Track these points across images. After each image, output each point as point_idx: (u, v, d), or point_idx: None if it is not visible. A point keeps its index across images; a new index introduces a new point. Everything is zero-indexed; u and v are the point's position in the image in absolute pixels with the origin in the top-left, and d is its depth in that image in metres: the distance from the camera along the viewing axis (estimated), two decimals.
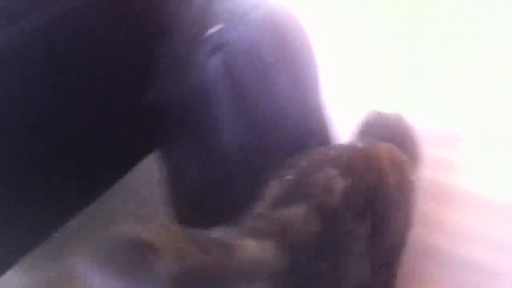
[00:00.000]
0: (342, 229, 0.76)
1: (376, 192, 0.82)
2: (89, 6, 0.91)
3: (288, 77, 1.00)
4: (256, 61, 0.93)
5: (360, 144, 0.95)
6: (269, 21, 0.94)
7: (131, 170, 1.10)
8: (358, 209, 0.77)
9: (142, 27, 0.98)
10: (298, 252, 0.70)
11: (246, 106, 0.93)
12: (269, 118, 0.95)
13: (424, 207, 1.02)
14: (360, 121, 1.09)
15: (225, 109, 0.91)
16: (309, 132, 1.05)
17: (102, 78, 0.97)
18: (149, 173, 1.15)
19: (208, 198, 0.97)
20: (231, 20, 0.91)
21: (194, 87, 0.89)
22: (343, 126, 1.09)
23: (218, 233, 0.71)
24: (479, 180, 1.22)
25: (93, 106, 0.98)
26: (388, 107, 1.13)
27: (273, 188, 0.79)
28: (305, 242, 0.71)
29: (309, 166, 0.81)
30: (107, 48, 0.94)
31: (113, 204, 1.13)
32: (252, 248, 0.68)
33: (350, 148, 0.90)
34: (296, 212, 0.72)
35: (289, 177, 0.79)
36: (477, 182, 1.21)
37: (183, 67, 0.89)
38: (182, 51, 0.91)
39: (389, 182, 0.85)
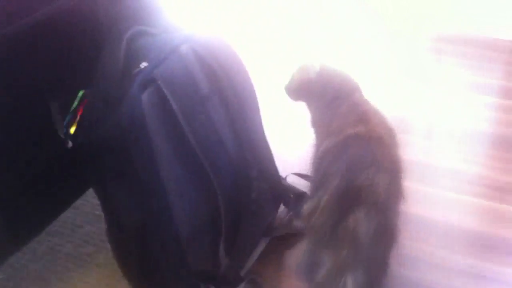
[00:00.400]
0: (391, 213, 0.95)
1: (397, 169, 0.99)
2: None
3: (225, 107, 1.00)
4: (190, 93, 0.93)
5: (359, 129, 0.99)
6: (198, 55, 0.94)
7: (72, 207, 1.09)
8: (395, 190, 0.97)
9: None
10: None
11: (182, 138, 0.92)
12: (207, 149, 0.95)
13: None
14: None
15: (160, 143, 0.91)
16: (249, 161, 1.05)
17: (34, 115, 0.96)
18: (90, 210, 1.15)
19: (148, 231, 0.96)
20: (159, 56, 0.90)
21: (126, 123, 0.88)
22: None
23: None
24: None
25: (26, 141, 0.97)
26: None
27: (323, 197, 0.94)
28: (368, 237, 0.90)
29: (349, 170, 0.94)
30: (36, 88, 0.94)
31: (53, 241, 1.11)
32: None
33: (361, 140, 0.98)
34: (359, 218, 0.90)
35: (335, 183, 0.93)
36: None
37: (112, 105, 0.89)
38: (110, 90, 0.90)
39: (395, 150, 1.00)
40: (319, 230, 0.94)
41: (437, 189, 1.26)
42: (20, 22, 0.90)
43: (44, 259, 1.10)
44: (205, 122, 0.94)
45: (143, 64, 0.89)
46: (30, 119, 0.95)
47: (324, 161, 1.00)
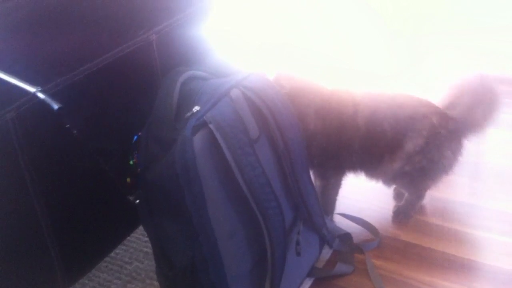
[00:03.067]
0: None
1: None
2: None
3: (272, 149, 1.02)
4: (239, 136, 0.95)
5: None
6: (247, 99, 0.97)
7: (121, 244, 1.11)
8: None
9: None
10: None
11: (232, 179, 0.94)
12: (255, 191, 0.96)
13: None
14: None
15: (211, 184, 0.93)
16: (294, 202, 1.06)
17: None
18: (138, 247, 1.17)
19: (197, 270, 0.97)
20: (210, 100, 0.93)
21: (179, 165, 0.90)
22: None
23: None
24: None
25: (80, 180, 1.00)
26: None
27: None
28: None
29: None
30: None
31: (102, 277, 1.13)
32: None
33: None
34: None
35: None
36: None
37: (165, 147, 0.92)
38: (164, 132, 0.93)
39: None
40: None
41: (484, 231, 1.24)
42: (81, 69, 0.95)
43: None
44: (253, 163, 0.96)
45: (196, 108, 0.92)
46: (86, 159, 0.99)
47: None
